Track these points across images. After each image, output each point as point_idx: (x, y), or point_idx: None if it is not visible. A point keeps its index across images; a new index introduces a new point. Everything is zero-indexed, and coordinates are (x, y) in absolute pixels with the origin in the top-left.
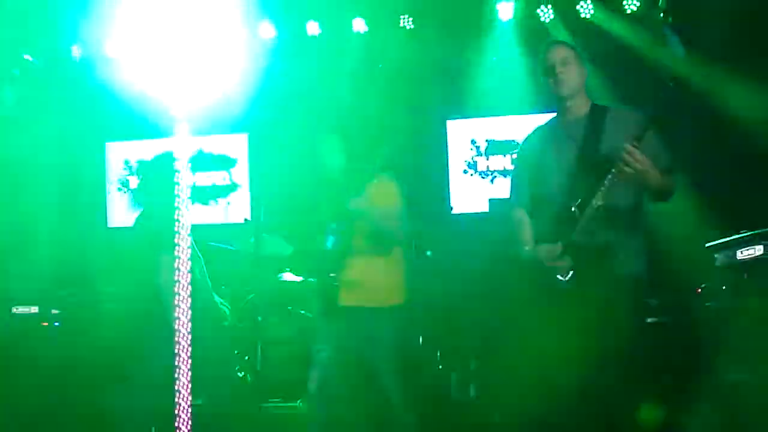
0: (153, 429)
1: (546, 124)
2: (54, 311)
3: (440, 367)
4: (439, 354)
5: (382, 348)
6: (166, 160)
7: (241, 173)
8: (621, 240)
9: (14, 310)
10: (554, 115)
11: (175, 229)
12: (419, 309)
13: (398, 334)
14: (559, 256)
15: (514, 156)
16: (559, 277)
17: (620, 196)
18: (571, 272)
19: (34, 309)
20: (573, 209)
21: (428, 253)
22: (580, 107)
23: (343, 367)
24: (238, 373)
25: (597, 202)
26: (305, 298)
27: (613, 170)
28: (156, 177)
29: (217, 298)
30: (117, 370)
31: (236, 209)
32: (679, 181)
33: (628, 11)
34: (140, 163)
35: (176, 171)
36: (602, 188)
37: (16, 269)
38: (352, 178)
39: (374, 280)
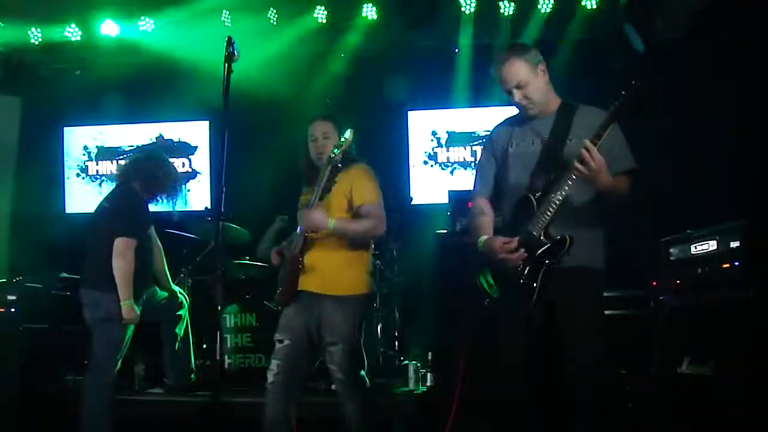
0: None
1: (515, 116)
2: (10, 297)
3: (401, 358)
4: (397, 345)
5: (331, 336)
6: (152, 153)
7: (201, 160)
8: (579, 233)
9: None
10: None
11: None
12: (379, 299)
13: (352, 324)
14: (514, 249)
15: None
16: (513, 269)
17: (580, 191)
18: (526, 267)
19: None
20: (532, 202)
21: (389, 244)
22: (550, 105)
23: (297, 356)
24: (197, 362)
25: (556, 196)
26: (266, 285)
27: (572, 167)
28: (138, 166)
29: (174, 287)
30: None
31: (196, 196)
32: (636, 187)
33: (588, 7)
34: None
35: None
36: (561, 184)
37: None
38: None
39: (331, 267)
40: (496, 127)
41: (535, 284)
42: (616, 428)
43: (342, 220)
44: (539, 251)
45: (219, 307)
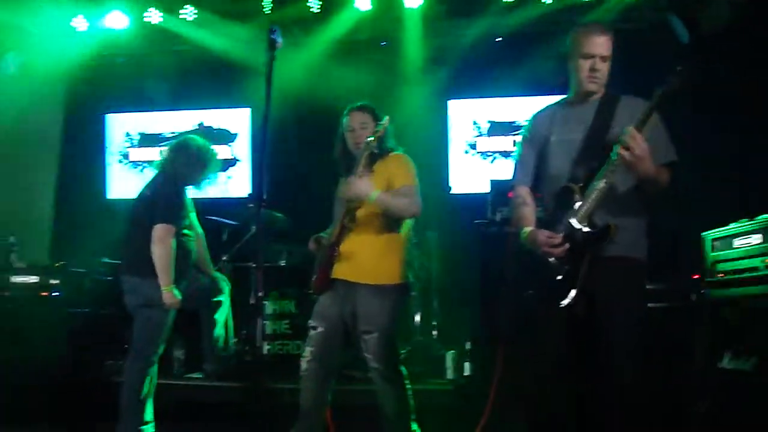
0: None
1: (556, 103)
2: (53, 282)
3: (436, 347)
4: (435, 334)
5: (366, 324)
6: (192, 140)
7: (241, 147)
8: (623, 222)
9: (13, 279)
10: (564, 96)
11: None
12: (418, 289)
13: (387, 312)
14: (558, 244)
15: (518, 138)
16: (553, 262)
17: (625, 179)
18: (569, 257)
19: (34, 279)
20: (575, 191)
21: (428, 233)
22: (595, 93)
23: (331, 344)
24: (237, 348)
25: (599, 184)
26: (306, 272)
27: (616, 154)
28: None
29: (215, 273)
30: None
31: (236, 183)
32: (676, 179)
33: None
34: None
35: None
36: (606, 171)
37: (16, 239)
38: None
39: (367, 256)
40: (535, 114)
41: (577, 274)
42: (653, 422)
43: (384, 193)
44: (583, 240)
45: (260, 294)
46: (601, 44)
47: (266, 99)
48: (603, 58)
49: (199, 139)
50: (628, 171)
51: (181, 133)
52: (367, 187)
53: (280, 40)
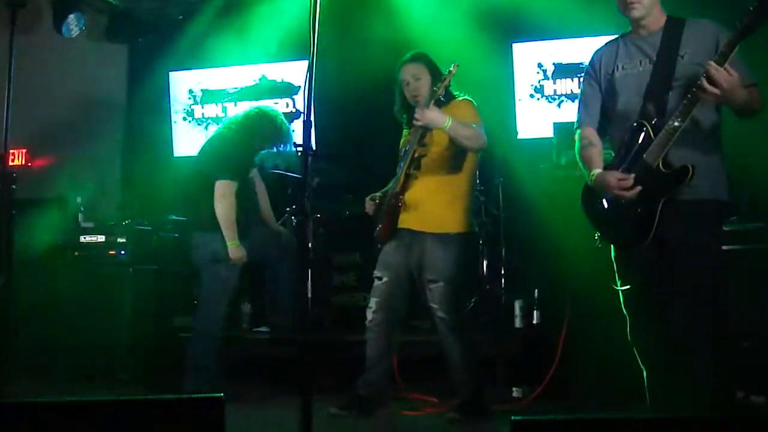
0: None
1: (617, 39)
2: (120, 240)
3: (503, 295)
4: (503, 282)
5: (431, 273)
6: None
7: (302, 100)
8: (702, 161)
9: (82, 239)
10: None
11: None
12: (484, 235)
13: (453, 261)
14: (631, 186)
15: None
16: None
17: (699, 115)
18: (643, 201)
19: (101, 238)
20: (647, 128)
21: (496, 180)
22: (655, 21)
23: (396, 294)
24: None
25: (674, 122)
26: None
27: (694, 89)
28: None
29: (280, 227)
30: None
31: (299, 136)
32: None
33: None
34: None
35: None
36: (680, 107)
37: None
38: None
39: (433, 205)
40: (596, 51)
41: (653, 220)
42: (731, 370)
43: (457, 121)
44: (658, 182)
45: (309, 245)
46: None
47: (311, 45)
48: None
49: (270, 111)
50: (715, 104)
51: (243, 88)
52: (439, 114)
53: None
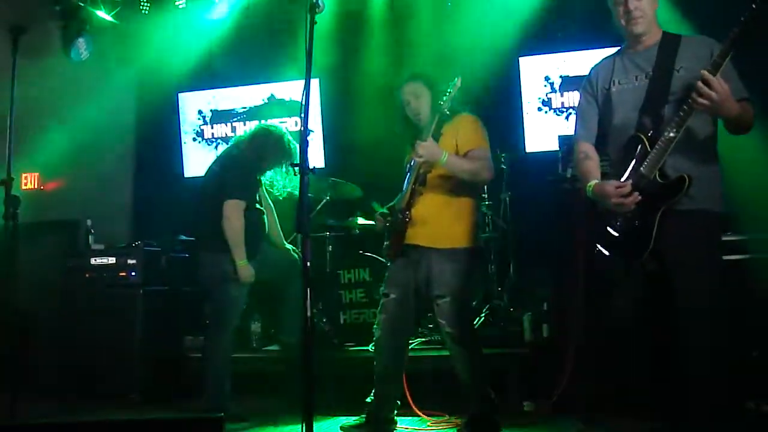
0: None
1: (613, 54)
2: (131, 261)
3: (511, 309)
4: (510, 295)
5: (439, 289)
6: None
7: (313, 118)
8: (697, 172)
9: (93, 261)
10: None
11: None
12: (492, 249)
13: (460, 276)
14: (628, 194)
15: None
16: (627, 215)
17: (695, 126)
18: (640, 212)
19: (112, 260)
20: (644, 141)
21: (502, 195)
22: (652, 37)
23: (404, 310)
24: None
25: (669, 133)
26: (379, 240)
27: (689, 100)
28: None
29: (288, 245)
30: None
31: (310, 154)
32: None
33: None
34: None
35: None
36: (676, 119)
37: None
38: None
39: (439, 221)
40: (593, 66)
41: (651, 230)
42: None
43: (454, 156)
44: (655, 192)
45: (308, 264)
46: None
47: (306, 64)
48: None
49: (276, 129)
50: (709, 115)
51: (252, 107)
52: (435, 149)
53: (321, 4)
